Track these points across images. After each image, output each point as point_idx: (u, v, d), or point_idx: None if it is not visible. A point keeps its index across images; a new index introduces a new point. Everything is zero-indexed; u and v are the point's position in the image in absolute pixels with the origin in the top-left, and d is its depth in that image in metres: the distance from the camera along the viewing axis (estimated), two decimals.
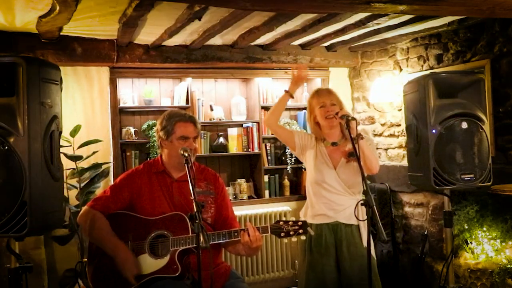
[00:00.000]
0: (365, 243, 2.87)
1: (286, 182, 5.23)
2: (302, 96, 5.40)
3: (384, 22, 3.94)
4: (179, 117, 2.69)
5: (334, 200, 2.94)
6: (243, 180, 5.09)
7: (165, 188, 2.69)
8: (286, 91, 3.11)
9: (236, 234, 2.52)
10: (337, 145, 3.01)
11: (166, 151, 2.71)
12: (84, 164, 4.16)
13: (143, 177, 2.71)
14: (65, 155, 3.89)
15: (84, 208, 2.69)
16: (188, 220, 2.47)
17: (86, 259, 2.68)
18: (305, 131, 3.18)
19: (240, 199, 4.99)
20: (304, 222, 2.53)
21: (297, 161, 5.14)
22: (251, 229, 2.49)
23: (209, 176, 2.81)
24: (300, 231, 2.50)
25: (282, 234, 2.51)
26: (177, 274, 2.49)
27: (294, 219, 2.56)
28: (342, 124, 2.82)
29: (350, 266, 2.89)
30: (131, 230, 2.58)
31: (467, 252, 3.95)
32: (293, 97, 3.17)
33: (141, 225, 2.59)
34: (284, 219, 2.57)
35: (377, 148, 5.16)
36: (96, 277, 2.58)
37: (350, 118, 2.75)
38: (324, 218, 2.95)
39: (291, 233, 2.50)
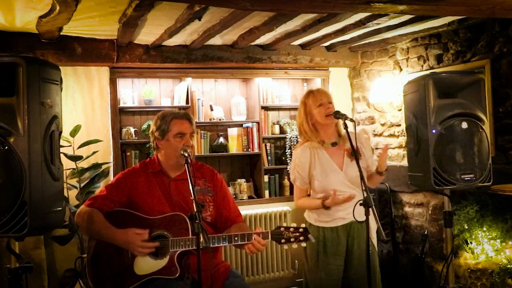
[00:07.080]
0: (372, 238, 2.93)
1: (286, 182, 5.23)
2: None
3: (384, 22, 3.94)
4: (174, 115, 2.68)
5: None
6: (243, 180, 5.09)
7: (163, 188, 2.67)
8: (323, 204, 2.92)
9: (236, 239, 2.50)
10: (337, 144, 3.00)
11: (163, 152, 2.69)
12: (84, 164, 4.16)
13: (140, 177, 2.69)
14: (65, 155, 3.89)
15: (81, 207, 2.68)
16: (188, 220, 2.46)
17: (85, 255, 2.68)
18: (300, 160, 3.04)
19: (240, 199, 4.98)
20: (305, 229, 2.50)
21: None
22: (256, 243, 2.47)
23: (206, 173, 2.78)
24: (301, 238, 2.48)
25: (283, 241, 2.49)
26: (176, 276, 2.48)
27: (295, 225, 2.52)
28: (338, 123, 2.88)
29: (359, 260, 2.92)
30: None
31: (467, 252, 3.95)
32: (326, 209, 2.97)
33: (140, 224, 2.57)
34: (285, 224, 2.53)
35: (377, 148, 5.16)
36: (97, 276, 2.57)
37: (347, 117, 2.75)
38: (340, 220, 2.94)
39: (292, 240, 2.48)
